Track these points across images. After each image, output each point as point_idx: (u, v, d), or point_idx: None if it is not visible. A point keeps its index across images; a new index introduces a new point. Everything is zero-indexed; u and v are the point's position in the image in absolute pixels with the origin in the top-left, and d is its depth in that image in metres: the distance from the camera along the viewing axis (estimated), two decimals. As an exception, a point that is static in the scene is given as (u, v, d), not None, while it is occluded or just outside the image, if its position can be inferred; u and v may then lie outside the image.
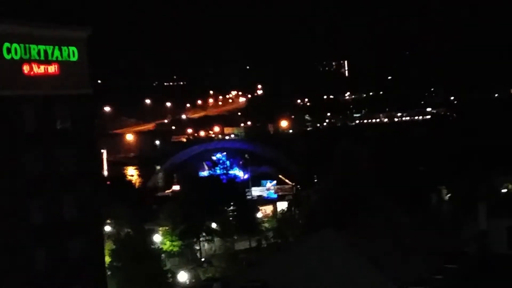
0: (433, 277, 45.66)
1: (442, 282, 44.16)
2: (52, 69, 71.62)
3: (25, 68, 69.11)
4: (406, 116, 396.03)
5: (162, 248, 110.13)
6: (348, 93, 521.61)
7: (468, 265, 49.31)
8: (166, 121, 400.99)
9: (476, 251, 54.27)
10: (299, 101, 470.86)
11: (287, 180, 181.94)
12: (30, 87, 69.38)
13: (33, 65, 69.78)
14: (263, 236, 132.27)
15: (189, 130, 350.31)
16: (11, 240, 66.57)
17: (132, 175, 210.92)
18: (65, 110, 72.98)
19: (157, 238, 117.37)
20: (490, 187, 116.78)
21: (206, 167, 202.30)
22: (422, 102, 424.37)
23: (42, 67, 70.64)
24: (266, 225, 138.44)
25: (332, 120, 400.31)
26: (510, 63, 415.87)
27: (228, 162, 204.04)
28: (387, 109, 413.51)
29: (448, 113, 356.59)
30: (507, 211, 58.78)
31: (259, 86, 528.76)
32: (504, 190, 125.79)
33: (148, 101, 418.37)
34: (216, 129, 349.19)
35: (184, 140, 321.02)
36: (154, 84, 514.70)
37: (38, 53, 70.24)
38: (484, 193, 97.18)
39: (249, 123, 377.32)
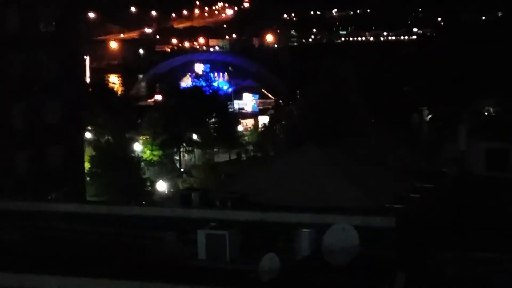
0: (410, 195, 46.09)
1: (418, 201, 44.65)
2: (36, -31, 70.50)
3: (8, -32, 67.94)
4: (392, 36, 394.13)
5: (142, 157, 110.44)
6: (335, 9, 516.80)
7: (445, 185, 49.79)
8: (151, 30, 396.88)
9: (454, 171, 54.77)
10: (285, 15, 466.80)
11: (270, 95, 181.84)
12: (13, -13, 68.32)
13: (16, -36, 68.61)
14: (243, 149, 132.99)
15: (174, 40, 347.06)
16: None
17: (114, 83, 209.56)
18: (49, 13, 72.07)
19: (138, 147, 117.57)
20: (472, 110, 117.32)
21: (189, 78, 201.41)
22: (409, 22, 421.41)
23: (25, -34, 69.50)
24: (247, 138, 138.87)
25: (318, 37, 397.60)
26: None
27: (211, 74, 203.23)
28: (373, 28, 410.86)
29: (435, 34, 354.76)
30: (487, 134, 59.10)
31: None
32: (486, 114, 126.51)
33: (133, 8, 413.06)
34: (201, 40, 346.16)
35: (168, 50, 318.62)
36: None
37: (22, -49, 69.03)
38: (465, 115, 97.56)
39: (234, 35, 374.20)
